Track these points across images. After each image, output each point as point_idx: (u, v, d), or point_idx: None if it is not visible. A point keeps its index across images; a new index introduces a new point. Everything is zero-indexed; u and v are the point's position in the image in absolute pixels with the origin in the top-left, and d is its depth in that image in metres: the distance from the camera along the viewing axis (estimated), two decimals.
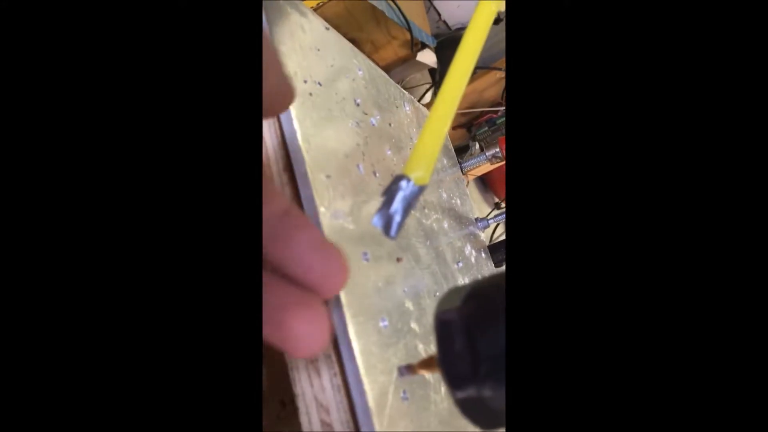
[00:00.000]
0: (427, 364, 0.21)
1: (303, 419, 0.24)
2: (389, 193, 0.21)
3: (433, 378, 0.29)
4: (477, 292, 0.19)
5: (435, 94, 1.07)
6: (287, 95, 0.15)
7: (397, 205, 0.21)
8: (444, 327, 0.18)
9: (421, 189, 0.21)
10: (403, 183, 0.21)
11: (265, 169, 0.26)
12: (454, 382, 0.18)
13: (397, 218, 0.21)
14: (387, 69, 0.76)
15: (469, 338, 0.17)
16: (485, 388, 0.16)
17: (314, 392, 0.24)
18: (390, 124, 0.38)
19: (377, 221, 0.21)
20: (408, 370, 0.20)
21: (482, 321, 0.17)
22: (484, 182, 1.26)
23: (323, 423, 0.24)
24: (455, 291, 0.20)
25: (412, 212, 0.36)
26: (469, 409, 0.18)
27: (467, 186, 0.80)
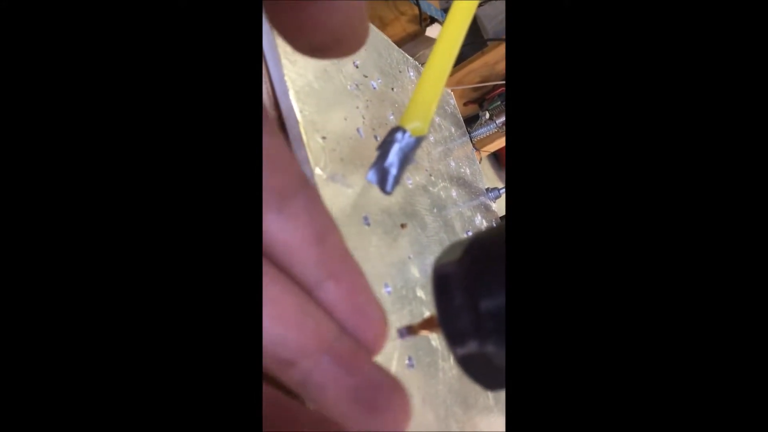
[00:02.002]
0: (428, 323, 0.20)
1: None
2: (384, 146, 0.20)
3: (440, 346, 0.28)
4: (477, 244, 0.18)
5: None
6: (358, 36, 0.12)
7: (393, 158, 0.20)
8: (442, 280, 0.17)
9: (418, 140, 0.20)
10: (399, 135, 0.20)
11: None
12: (454, 338, 0.16)
13: (393, 171, 0.19)
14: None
15: (469, 292, 0.16)
16: (488, 344, 0.15)
17: None
18: (392, 89, 0.36)
19: (372, 176, 0.20)
20: (408, 331, 0.19)
21: (483, 273, 0.16)
22: (498, 159, 1.24)
23: None
24: (456, 244, 0.19)
25: (417, 179, 0.35)
26: (472, 367, 0.16)
27: (480, 163, 0.78)
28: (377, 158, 0.20)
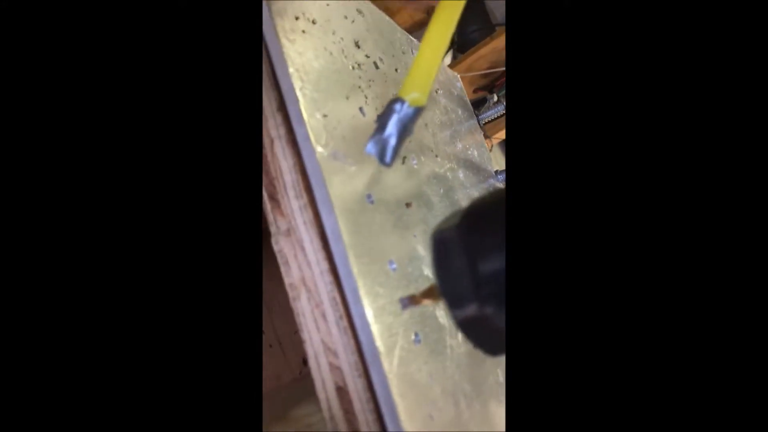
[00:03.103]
0: (429, 293, 0.20)
1: (312, 364, 0.23)
2: (383, 117, 0.20)
3: (448, 323, 0.28)
4: (475, 209, 0.18)
5: (453, 57, 1.04)
6: None
7: (392, 128, 0.19)
8: (441, 245, 0.17)
9: (417, 111, 0.20)
10: (397, 106, 0.20)
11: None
12: (454, 301, 0.16)
13: (392, 142, 0.19)
14: None
15: (468, 255, 0.16)
16: (487, 306, 0.15)
17: (321, 336, 0.23)
18: (396, 70, 0.36)
19: (371, 148, 0.20)
20: (410, 301, 0.19)
21: (481, 237, 0.16)
22: None
23: (332, 366, 0.23)
24: (455, 212, 0.18)
25: (423, 159, 0.35)
26: (472, 331, 0.16)
27: (491, 151, 0.77)
28: (376, 130, 0.20)
